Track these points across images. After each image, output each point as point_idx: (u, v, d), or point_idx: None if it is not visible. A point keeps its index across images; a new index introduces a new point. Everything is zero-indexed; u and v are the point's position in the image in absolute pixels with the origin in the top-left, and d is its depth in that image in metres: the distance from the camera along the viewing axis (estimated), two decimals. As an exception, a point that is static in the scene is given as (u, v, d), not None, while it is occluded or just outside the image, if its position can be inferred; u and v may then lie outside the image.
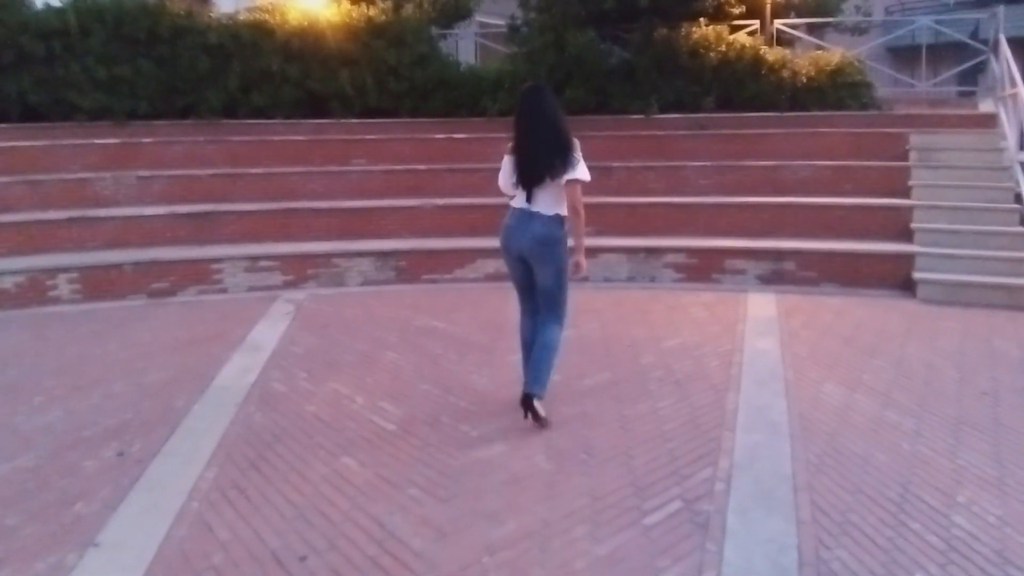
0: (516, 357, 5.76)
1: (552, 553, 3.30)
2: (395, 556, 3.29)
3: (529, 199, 4.56)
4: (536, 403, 4.52)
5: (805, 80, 10.56)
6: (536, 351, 4.62)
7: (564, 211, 4.57)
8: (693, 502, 3.70)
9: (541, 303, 4.72)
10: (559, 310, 4.70)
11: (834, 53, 10.98)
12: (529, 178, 4.52)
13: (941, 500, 3.75)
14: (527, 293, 4.80)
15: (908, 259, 7.92)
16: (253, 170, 9.82)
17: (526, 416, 4.54)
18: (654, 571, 3.17)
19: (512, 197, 4.71)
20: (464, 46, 14.12)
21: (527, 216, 4.56)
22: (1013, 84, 9.49)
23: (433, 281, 8.48)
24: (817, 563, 3.20)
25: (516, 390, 5.14)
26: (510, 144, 4.65)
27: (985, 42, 11.43)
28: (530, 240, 4.56)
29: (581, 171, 4.51)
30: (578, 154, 4.53)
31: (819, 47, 11.67)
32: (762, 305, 7.33)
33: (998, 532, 3.48)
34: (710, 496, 3.75)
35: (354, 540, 3.43)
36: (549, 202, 4.54)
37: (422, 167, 9.98)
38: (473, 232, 8.72)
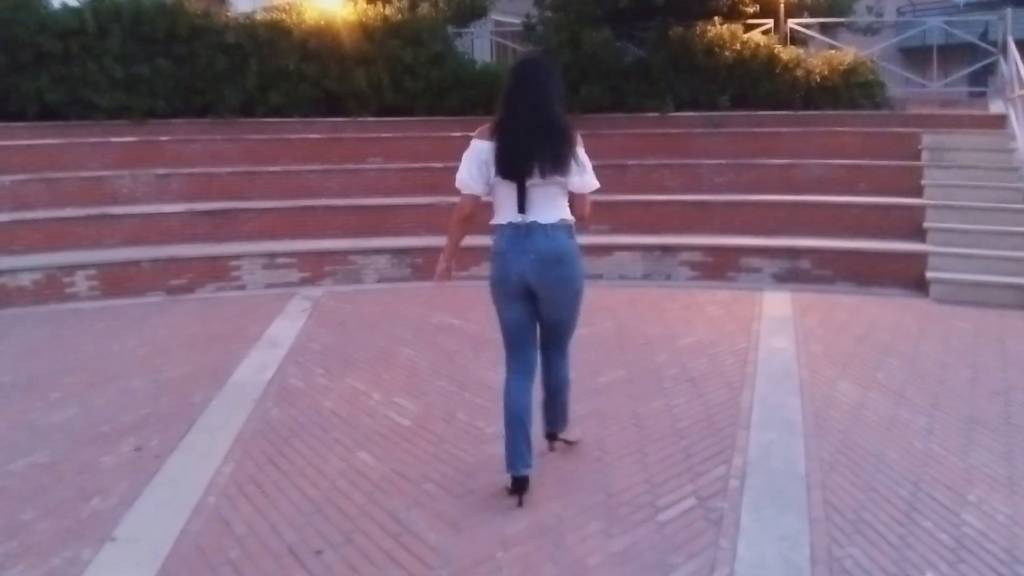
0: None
1: (566, 549, 3.33)
2: (410, 550, 3.33)
3: (522, 207, 3.58)
4: (562, 435, 4.15)
5: (819, 79, 10.57)
6: (554, 391, 3.95)
7: (569, 216, 3.68)
8: (707, 499, 3.72)
9: (549, 340, 3.88)
10: (568, 342, 3.95)
11: (847, 53, 10.98)
12: (520, 169, 3.53)
13: (952, 499, 3.76)
14: (524, 344, 3.82)
15: (921, 258, 7.91)
16: (271, 168, 9.89)
17: (552, 449, 4.12)
18: (667, 567, 3.19)
19: (472, 204, 3.75)
20: (480, 44, 14.16)
21: (523, 231, 3.60)
22: (1022, 86, 9.47)
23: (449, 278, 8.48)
24: (829, 560, 3.22)
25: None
26: (488, 125, 3.64)
27: (994, 43, 11.43)
28: (534, 262, 3.59)
29: (592, 177, 3.71)
30: (582, 148, 3.66)
31: (832, 47, 11.67)
32: (777, 303, 7.33)
33: (1008, 531, 3.49)
34: (724, 493, 3.77)
35: (370, 534, 3.46)
36: (549, 207, 3.59)
37: (438, 165, 9.97)
38: (488, 230, 8.74)
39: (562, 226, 3.63)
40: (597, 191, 3.80)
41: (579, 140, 3.65)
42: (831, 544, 3.33)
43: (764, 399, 4.95)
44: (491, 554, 3.29)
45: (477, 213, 3.76)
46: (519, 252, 3.60)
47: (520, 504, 3.69)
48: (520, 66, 3.75)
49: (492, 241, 3.73)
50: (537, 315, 3.80)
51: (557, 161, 3.53)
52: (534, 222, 3.58)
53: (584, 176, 3.66)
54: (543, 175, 3.53)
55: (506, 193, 3.61)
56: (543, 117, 3.54)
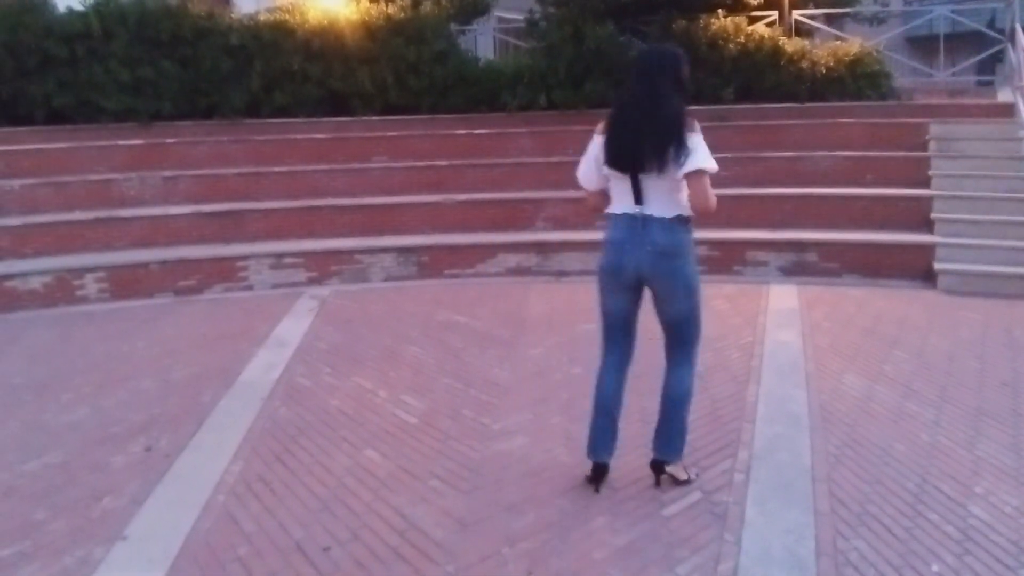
0: (537, 351, 5.84)
1: (571, 544, 3.34)
2: (417, 546, 3.35)
3: (639, 199, 3.56)
4: (671, 468, 3.80)
5: (824, 71, 10.54)
6: (667, 406, 3.78)
7: (686, 210, 3.59)
8: (712, 493, 3.73)
9: (672, 342, 3.80)
10: (691, 347, 3.79)
11: (853, 43, 10.93)
12: (627, 163, 3.52)
13: (959, 491, 3.75)
14: (622, 336, 3.84)
15: (929, 249, 7.86)
16: (276, 169, 9.91)
17: (657, 484, 3.79)
18: (672, 561, 3.21)
19: (594, 199, 3.80)
20: (483, 42, 14.17)
21: (639, 222, 3.56)
22: (1031, 74, 9.43)
23: (455, 276, 8.52)
24: (835, 553, 3.23)
25: (536, 383, 5.21)
26: (604, 122, 3.63)
27: (1002, 31, 11.36)
28: (651, 254, 3.55)
29: (704, 157, 3.49)
30: (697, 135, 3.50)
31: (838, 37, 11.62)
32: (784, 297, 7.32)
33: (1015, 522, 3.49)
34: (729, 487, 3.78)
35: (377, 531, 3.49)
36: (665, 200, 3.54)
37: (443, 163, 10.02)
38: (494, 227, 8.77)
39: (678, 220, 3.57)
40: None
41: (695, 127, 3.49)
42: (836, 537, 3.34)
43: (770, 392, 4.95)
44: (497, 549, 3.31)
45: (604, 203, 3.76)
46: (636, 244, 3.57)
47: (597, 492, 3.75)
48: (638, 58, 3.73)
49: (606, 229, 3.71)
50: (657, 315, 3.77)
51: (661, 157, 3.44)
52: (651, 215, 3.55)
53: (692, 157, 3.45)
54: (650, 170, 3.49)
55: (621, 185, 3.60)
56: (650, 113, 3.48)
